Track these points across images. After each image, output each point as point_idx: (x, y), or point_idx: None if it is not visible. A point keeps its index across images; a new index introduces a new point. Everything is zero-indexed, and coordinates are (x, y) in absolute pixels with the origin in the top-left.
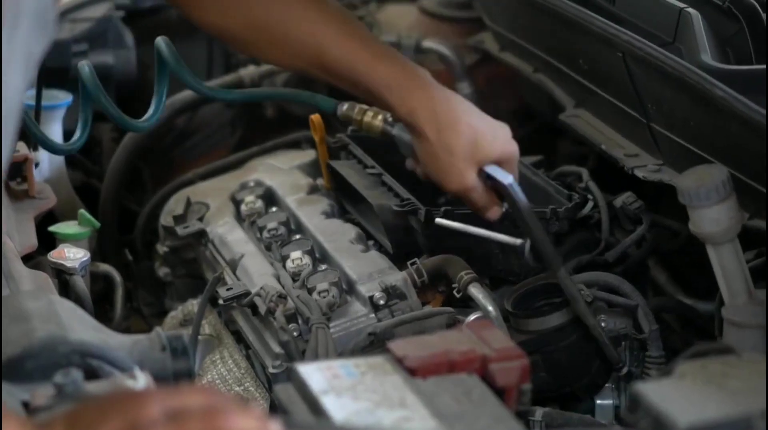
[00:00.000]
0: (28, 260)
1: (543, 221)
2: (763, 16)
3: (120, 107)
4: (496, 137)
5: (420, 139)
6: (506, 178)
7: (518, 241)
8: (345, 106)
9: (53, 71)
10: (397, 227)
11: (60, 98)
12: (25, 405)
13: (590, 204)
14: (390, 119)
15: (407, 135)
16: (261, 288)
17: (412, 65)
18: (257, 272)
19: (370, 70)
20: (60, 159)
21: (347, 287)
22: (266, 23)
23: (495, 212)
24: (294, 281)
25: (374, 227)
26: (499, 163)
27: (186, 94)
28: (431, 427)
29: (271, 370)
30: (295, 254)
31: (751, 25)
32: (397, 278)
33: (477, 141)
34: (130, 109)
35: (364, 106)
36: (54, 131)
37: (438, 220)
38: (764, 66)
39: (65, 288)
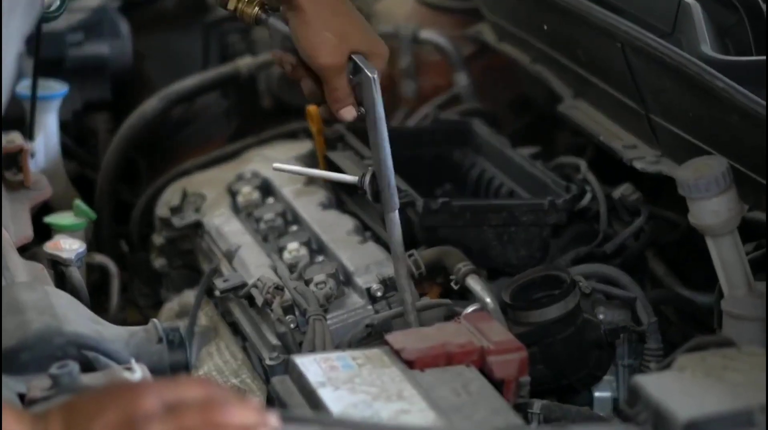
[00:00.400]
0: (24, 251)
1: (540, 212)
2: (763, 7)
3: (115, 97)
4: (368, 30)
5: (296, 12)
6: (372, 71)
7: (355, 178)
8: None
9: (49, 62)
10: None
11: (56, 89)
12: (21, 397)
13: (588, 195)
14: (266, 6)
15: (282, 24)
16: (258, 279)
17: None
18: (254, 264)
19: None
20: (56, 150)
21: (344, 279)
22: None
23: (350, 111)
24: (291, 272)
25: (371, 218)
26: (369, 56)
27: (182, 85)
28: (429, 419)
29: (268, 362)
30: (292, 246)
31: (751, 16)
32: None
33: (353, 23)
34: (125, 99)
35: None
36: (50, 122)
37: (276, 164)
38: (764, 57)
39: (61, 279)
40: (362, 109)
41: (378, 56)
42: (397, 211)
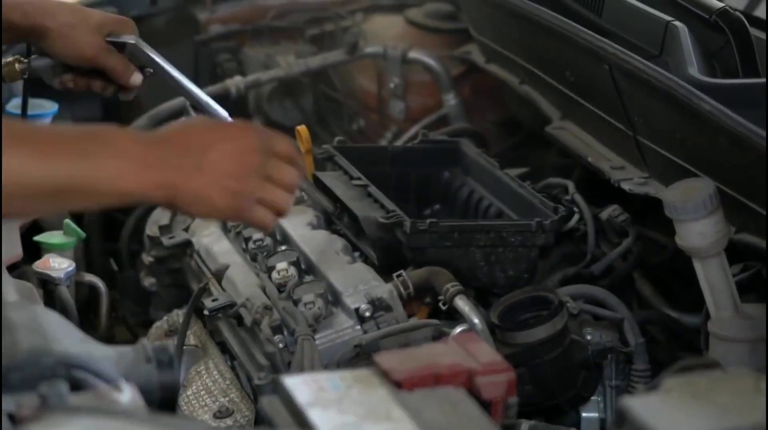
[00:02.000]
0: (14, 269)
1: (528, 233)
2: (750, 29)
3: (105, 116)
4: (103, 14)
5: (48, 35)
6: (130, 38)
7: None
8: None
9: (39, 81)
10: (383, 238)
11: (46, 107)
12: (11, 416)
13: (576, 217)
14: (20, 56)
15: (43, 60)
16: (247, 299)
17: None
18: (243, 283)
19: None
20: None
21: (333, 299)
22: None
23: (136, 78)
24: (280, 292)
25: (360, 238)
26: (118, 30)
27: (171, 104)
28: None
29: (256, 381)
30: (281, 265)
31: (738, 39)
32: (383, 290)
33: (89, 16)
34: (115, 118)
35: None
36: None
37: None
38: (752, 80)
39: (50, 298)
40: (148, 70)
41: (124, 25)
42: None
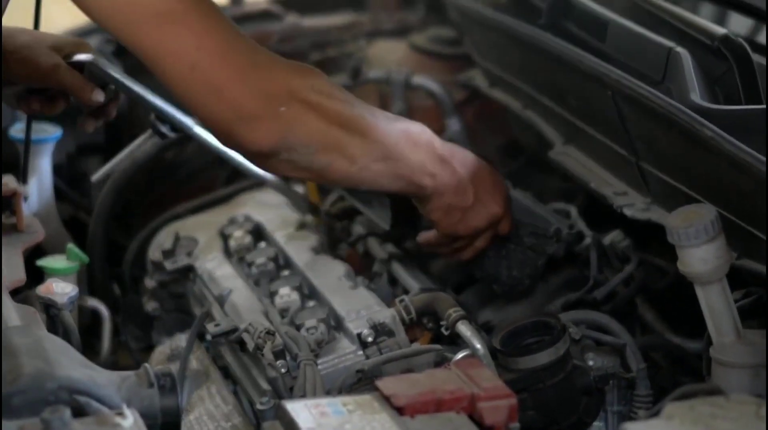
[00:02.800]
0: (17, 293)
1: (543, 237)
2: (752, 55)
3: (108, 140)
4: (55, 36)
5: (6, 58)
6: (87, 57)
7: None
8: None
9: None
10: (398, 199)
11: (49, 132)
12: None
13: (588, 239)
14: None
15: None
16: (249, 324)
17: None
18: (245, 308)
19: None
20: (49, 192)
21: (335, 324)
22: None
23: (98, 94)
24: (282, 317)
25: (371, 208)
26: (74, 50)
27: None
28: None
29: (258, 406)
30: (284, 290)
31: (741, 65)
32: (386, 315)
33: (40, 38)
34: (118, 142)
35: None
36: (43, 165)
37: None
38: (754, 107)
39: (53, 323)
40: (111, 87)
41: (81, 45)
42: None
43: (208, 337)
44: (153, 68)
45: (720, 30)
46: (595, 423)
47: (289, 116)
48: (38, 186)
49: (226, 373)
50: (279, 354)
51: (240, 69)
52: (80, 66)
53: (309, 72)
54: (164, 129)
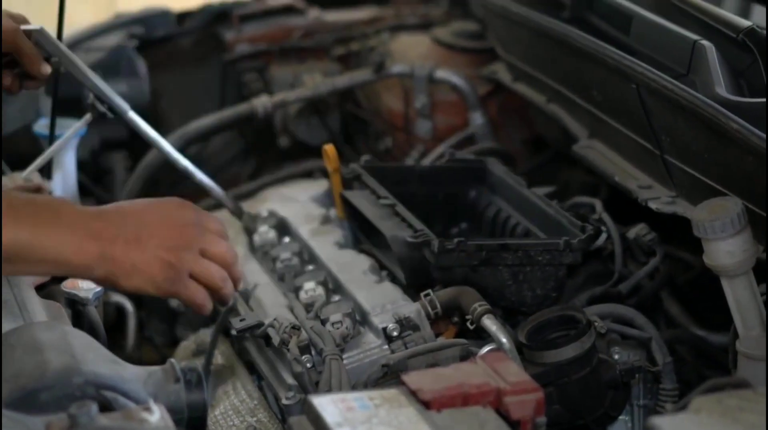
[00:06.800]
0: (42, 289)
1: (556, 252)
2: None
3: (132, 136)
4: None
5: None
6: (35, 26)
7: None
8: None
9: (67, 101)
10: (411, 257)
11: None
12: None
13: (604, 236)
14: None
15: None
16: (274, 319)
17: None
18: (270, 303)
19: None
20: (73, 188)
21: (360, 318)
22: None
23: (46, 68)
24: (307, 312)
25: (388, 257)
26: (23, 20)
27: (198, 124)
28: None
29: (284, 401)
30: (309, 285)
31: (765, 58)
32: (411, 309)
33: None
34: (142, 138)
35: None
36: (68, 160)
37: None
38: None
39: (78, 318)
40: (54, 59)
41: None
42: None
43: (233, 332)
44: None
45: (745, 23)
46: (621, 417)
47: None
48: (63, 181)
49: (252, 368)
50: (304, 349)
51: None
52: (29, 34)
53: None
54: (103, 108)
